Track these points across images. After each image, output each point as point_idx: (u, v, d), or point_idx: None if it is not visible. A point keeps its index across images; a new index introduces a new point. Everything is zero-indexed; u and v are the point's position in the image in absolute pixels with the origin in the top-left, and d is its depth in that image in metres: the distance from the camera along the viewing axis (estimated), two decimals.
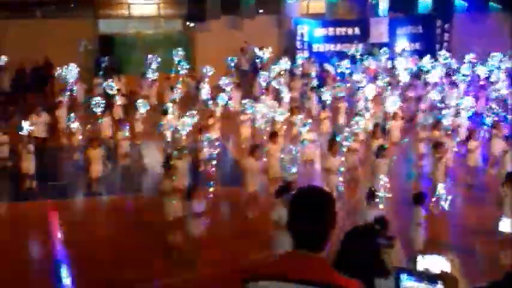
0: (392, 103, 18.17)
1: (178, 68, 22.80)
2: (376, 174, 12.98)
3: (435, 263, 7.84)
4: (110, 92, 19.60)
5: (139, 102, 18.03)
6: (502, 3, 29.27)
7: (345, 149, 14.35)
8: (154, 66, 22.56)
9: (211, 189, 13.97)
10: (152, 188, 14.49)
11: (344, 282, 3.09)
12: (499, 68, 23.24)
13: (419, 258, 8.32)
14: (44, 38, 25.22)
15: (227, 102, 19.70)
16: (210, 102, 18.05)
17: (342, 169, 13.73)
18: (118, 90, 20.21)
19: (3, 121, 17.59)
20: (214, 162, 15.81)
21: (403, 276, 4.01)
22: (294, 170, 13.34)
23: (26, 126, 15.23)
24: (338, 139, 14.39)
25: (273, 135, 14.55)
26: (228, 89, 20.84)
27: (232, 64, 24.13)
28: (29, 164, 15.07)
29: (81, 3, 27.44)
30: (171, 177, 11.77)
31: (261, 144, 14.81)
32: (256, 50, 26.22)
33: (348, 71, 23.08)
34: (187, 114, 16.20)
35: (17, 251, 11.83)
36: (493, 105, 18.91)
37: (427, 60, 23.94)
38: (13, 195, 15.36)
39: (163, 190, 11.74)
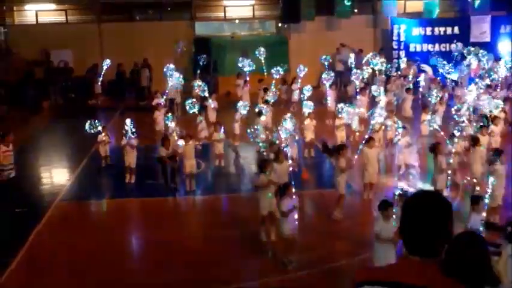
0: (494, 106, 17.27)
1: (272, 70, 22.68)
2: (490, 179, 12.12)
3: None
4: (204, 94, 19.79)
5: (240, 104, 18.06)
6: None
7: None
8: (247, 67, 22.64)
9: (303, 192, 13.84)
10: (248, 187, 14.55)
11: None
12: None
13: None
14: (142, 40, 26.13)
15: (327, 99, 19.55)
16: (305, 103, 17.82)
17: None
18: (212, 92, 20.36)
19: (105, 121, 18.12)
20: (308, 164, 15.71)
21: None
22: (405, 187, 12.78)
23: (130, 128, 15.67)
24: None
25: (369, 140, 14.22)
26: (327, 84, 20.87)
27: (326, 63, 23.82)
28: (130, 158, 15.64)
29: (179, 7, 28.15)
30: (266, 171, 11.71)
31: (349, 145, 14.50)
32: (351, 51, 25.89)
33: (448, 73, 22.17)
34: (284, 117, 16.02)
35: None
36: None
37: None
38: (112, 191, 15.92)
39: (259, 184, 11.73)
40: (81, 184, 16.03)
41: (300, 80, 22.21)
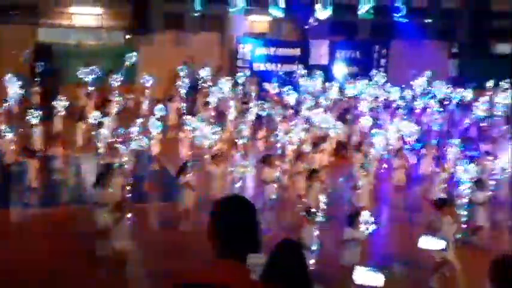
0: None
1: (118, 80, 22.47)
2: (312, 195, 13.14)
3: (370, 275, 8.47)
4: (57, 104, 19.11)
5: (80, 113, 17.85)
6: (438, 32, 30.51)
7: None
8: (93, 77, 22.28)
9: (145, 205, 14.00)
10: (85, 199, 14.34)
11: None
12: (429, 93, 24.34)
13: (357, 268, 8.89)
14: None
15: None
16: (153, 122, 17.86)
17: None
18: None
19: None
20: (151, 178, 15.87)
21: None
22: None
23: None
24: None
25: (216, 157, 14.51)
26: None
27: (182, 73, 23.93)
28: None
29: (22, 10, 26.93)
30: (104, 188, 11.79)
31: (194, 161, 14.85)
32: (198, 67, 26.30)
33: (287, 92, 23.26)
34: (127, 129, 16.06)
35: None
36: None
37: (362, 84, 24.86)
38: None
39: (96, 201, 11.75)
40: None
41: (148, 91, 22.26)
